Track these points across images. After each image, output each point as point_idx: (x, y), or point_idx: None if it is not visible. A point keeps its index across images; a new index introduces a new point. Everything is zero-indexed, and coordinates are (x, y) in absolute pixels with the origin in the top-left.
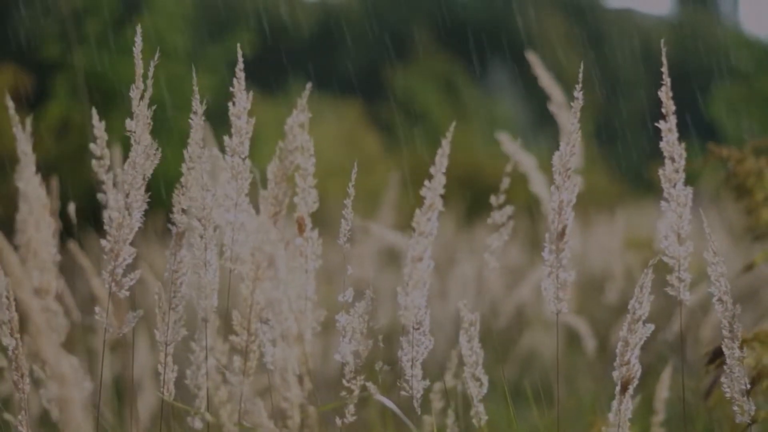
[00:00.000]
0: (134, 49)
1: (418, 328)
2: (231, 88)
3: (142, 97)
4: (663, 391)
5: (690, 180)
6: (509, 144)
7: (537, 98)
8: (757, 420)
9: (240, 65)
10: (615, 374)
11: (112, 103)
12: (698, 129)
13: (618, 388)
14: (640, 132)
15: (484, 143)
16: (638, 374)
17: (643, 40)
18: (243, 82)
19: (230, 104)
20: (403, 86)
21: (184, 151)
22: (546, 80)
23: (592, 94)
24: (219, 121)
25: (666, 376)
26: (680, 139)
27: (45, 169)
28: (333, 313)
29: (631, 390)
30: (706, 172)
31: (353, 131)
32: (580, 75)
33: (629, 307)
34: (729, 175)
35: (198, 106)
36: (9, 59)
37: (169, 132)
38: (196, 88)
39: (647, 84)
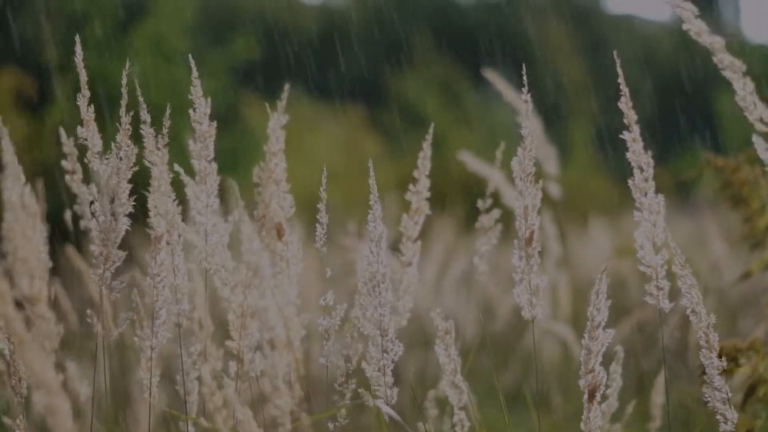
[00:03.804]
0: (126, 59)
1: (386, 335)
2: (189, 95)
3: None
4: (658, 396)
5: (689, 187)
6: (473, 162)
7: (537, 105)
8: (754, 428)
9: (194, 73)
10: (581, 383)
11: (114, 107)
12: (701, 135)
13: (585, 396)
14: (642, 138)
15: (485, 149)
16: (604, 381)
17: (645, 47)
18: (200, 90)
19: (190, 111)
20: (404, 92)
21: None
22: (509, 94)
23: (591, 101)
24: (221, 124)
25: (660, 382)
26: (682, 144)
27: (44, 173)
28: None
29: (598, 397)
30: (705, 178)
31: (354, 136)
32: (524, 76)
33: (588, 314)
34: (725, 184)
35: (166, 116)
36: (12, 62)
37: (170, 136)
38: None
39: (649, 90)
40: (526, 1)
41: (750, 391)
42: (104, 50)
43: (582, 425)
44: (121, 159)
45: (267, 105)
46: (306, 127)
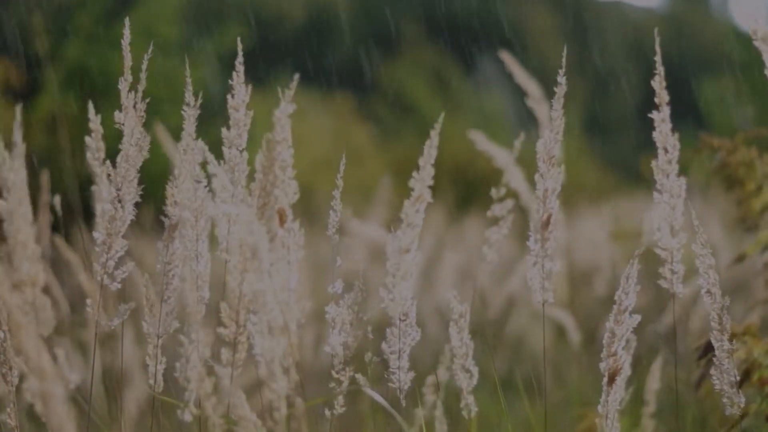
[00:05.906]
0: (122, 41)
1: (405, 320)
2: (230, 81)
3: (131, 89)
4: (653, 382)
5: (679, 170)
6: (482, 142)
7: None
8: (748, 413)
9: (240, 58)
10: (602, 365)
11: (103, 97)
12: (689, 120)
13: (605, 380)
14: (629, 124)
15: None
16: (626, 365)
17: (633, 33)
18: (242, 75)
19: (229, 96)
20: (393, 79)
21: (178, 144)
22: (522, 77)
23: (580, 86)
24: (208, 115)
25: (656, 368)
26: (671, 129)
27: (36, 162)
28: (324, 304)
29: (618, 381)
30: (696, 162)
31: (343, 124)
32: (563, 60)
33: (615, 297)
34: (720, 166)
35: (191, 98)
36: (1, 52)
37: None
38: (189, 80)
39: (636, 76)
40: None
41: (744, 375)
42: (93, 40)
43: (600, 408)
44: (132, 146)
45: (259, 94)
46: (295, 114)
